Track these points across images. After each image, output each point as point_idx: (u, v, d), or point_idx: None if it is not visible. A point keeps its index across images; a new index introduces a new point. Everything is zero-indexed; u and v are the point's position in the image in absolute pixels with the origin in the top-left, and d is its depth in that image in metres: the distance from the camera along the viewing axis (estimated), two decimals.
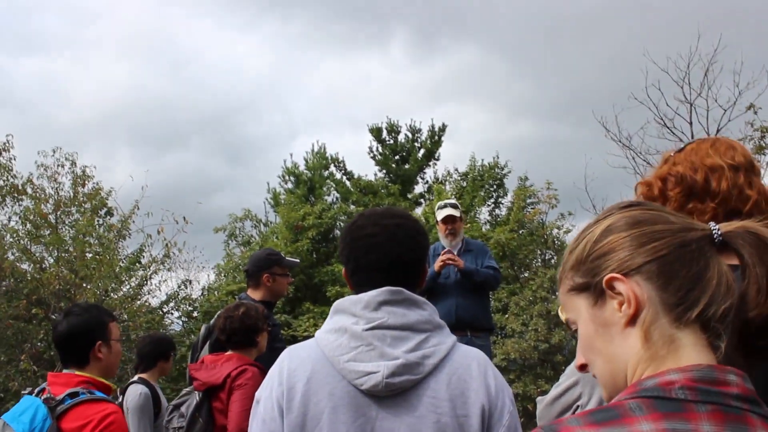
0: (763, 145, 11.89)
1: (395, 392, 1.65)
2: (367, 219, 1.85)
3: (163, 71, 33.45)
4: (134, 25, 32.14)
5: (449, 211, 5.72)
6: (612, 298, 1.00)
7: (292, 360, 1.73)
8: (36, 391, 2.57)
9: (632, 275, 0.99)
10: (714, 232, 1.02)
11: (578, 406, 2.05)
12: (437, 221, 5.81)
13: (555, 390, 2.28)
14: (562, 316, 1.16)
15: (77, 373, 2.63)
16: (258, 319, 3.62)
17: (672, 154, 1.85)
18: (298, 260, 4.92)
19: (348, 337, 1.69)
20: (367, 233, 1.81)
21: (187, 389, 3.59)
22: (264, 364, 3.51)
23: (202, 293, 17.53)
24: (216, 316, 3.93)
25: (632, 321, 0.98)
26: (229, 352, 3.60)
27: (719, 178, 1.73)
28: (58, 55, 31.20)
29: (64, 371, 2.67)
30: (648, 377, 0.94)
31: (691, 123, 12.22)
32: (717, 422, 0.87)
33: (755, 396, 0.92)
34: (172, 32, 34.27)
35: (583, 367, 1.08)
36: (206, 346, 4.08)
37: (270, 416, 1.68)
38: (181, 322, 16.29)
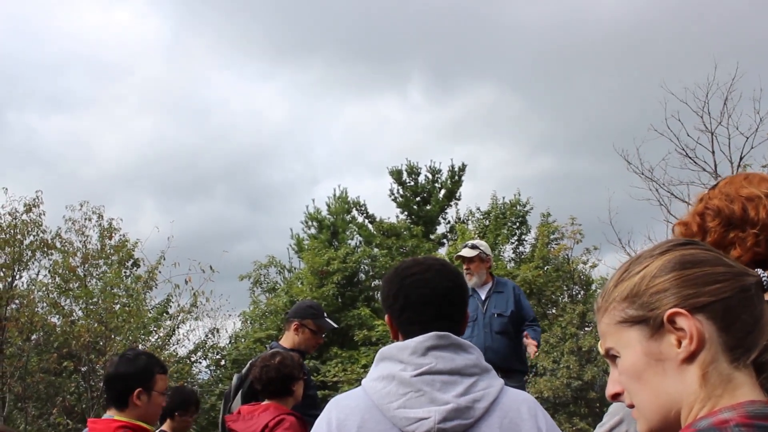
0: None
1: None
2: (413, 262, 1.92)
3: (185, 122, 34.09)
4: (157, 79, 32.90)
5: (461, 251, 5.73)
6: (670, 332, 0.99)
7: (340, 410, 1.72)
8: None
9: (695, 313, 0.98)
10: (764, 279, 1.03)
11: None
12: None
13: (600, 429, 2.25)
14: (601, 349, 1.15)
15: (116, 417, 2.71)
16: (294, 367, 3.60)
17: (706, 192, 1.87)
18: (335, 325, 4.68)
19: (396, 384, 1.68)
20: (416, 271, 1.86)
21: None
22: (298, 412, 3.49)
23: (229, 341, 17.55)
24: (248, 365, 3.91)
25: (690, 358, 0.98)
26: (265, 402, 3.58)
27: (756, 207, 1.73)
28: (83, 110, 31.96)
29: (105, 414, 2.77)
30: (701, 418, 0.94)
31: (713, 152, 12.16)
32: None
33: None
34: (194, 84, 35.00)
35: (615, 396, 1.08)
36: (238, 396, 4.06)
37: None
38: (209, 371, 16.30)
